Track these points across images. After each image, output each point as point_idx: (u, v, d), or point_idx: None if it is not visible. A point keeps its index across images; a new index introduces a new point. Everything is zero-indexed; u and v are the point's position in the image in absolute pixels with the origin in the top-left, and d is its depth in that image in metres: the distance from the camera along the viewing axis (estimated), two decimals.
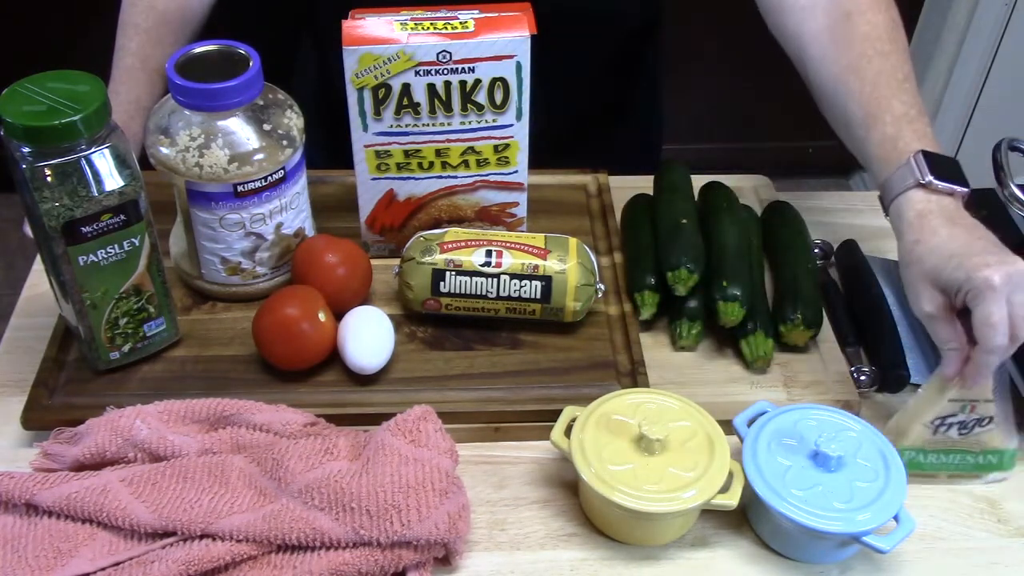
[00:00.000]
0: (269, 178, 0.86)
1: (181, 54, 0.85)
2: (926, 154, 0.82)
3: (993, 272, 0.74)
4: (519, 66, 0.87)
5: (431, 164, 0.93)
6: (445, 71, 0.87)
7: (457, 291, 0.88)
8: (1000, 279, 0.74)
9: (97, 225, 0.77)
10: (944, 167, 0.81)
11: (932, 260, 0.78)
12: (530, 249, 0.88)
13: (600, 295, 0.90)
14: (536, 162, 0.96)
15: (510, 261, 0.88)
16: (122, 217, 0.78)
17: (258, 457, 0.76)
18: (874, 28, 0.88)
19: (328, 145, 1.02)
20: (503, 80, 0.88)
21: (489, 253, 0.88)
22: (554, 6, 0.91)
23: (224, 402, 0.80)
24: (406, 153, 0.92)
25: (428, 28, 0.86)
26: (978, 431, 0.80)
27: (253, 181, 0.85)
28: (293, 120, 0.88)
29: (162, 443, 0.77)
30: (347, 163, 0.93)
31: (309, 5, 1.11)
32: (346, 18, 0.87)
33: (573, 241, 0.90)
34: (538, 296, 0.88)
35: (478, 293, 0.88)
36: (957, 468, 0.82)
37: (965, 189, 0.81)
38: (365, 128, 0.90)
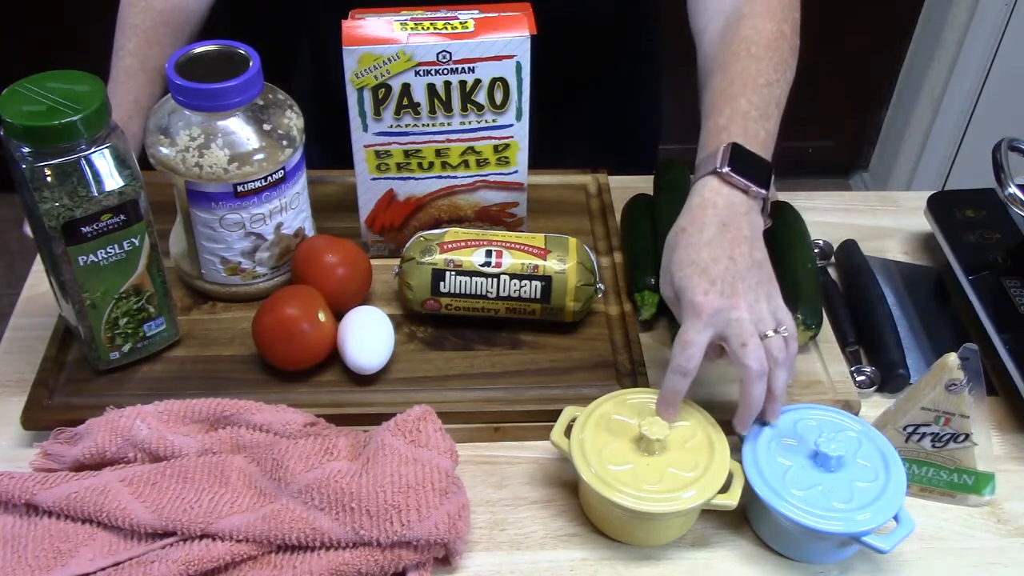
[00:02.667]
0: (269, 178, 0.86)
1: (181, 54, 0.85)
2: (736, 147, 0.81)
3: (704, 301, 0.75)
4: (519, 66, 0.87)
5: (431, 164, 0.93)
6: (445, 71, 0.87)
7: (457, 291, 0.88)
8: (707, 312, 0.75)
9: (97, 225, 0.77)
10: (747, 164, 0.80)
11: (679, 255, 0.78)
12: (530, 249, 0.88)
13: (600, 295, 0.90)
14: (536, 162, 0.96)
15: (510, 261, 0.88)
16: (122, 217, 0.78)
17: (258, 457, 0.76)
18: (756, 33, 0.88)
19: (328, 145, 1.02)
20: (503, 80, 0.88)
21: (489, 253, 0.88)
22: (554, 6, 0.91)
23: (224, 402, 0.80)
24: (406, 153, 0.92)
25: (428, 28, 0.86)
26: (953, 447, 0.79)
27: (253, 181, 0.85)
28: (293, 120, 0.88)
29: (162, 443, 0.77)
30: (347, 163, 0.93)
31: (309, 5, 1.11)
32: (346, 18, 0.87)
33: (573, 241, 0.90)
34: (538, 296, 0.88)
35: (478, 293, 0.88)
36: (929, 482, 0.81)
37: (761, 190, 0.80)
38: (365, 128, 0.90)
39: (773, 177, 0.82)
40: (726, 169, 0.79)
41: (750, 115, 0.84)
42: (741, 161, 0.80)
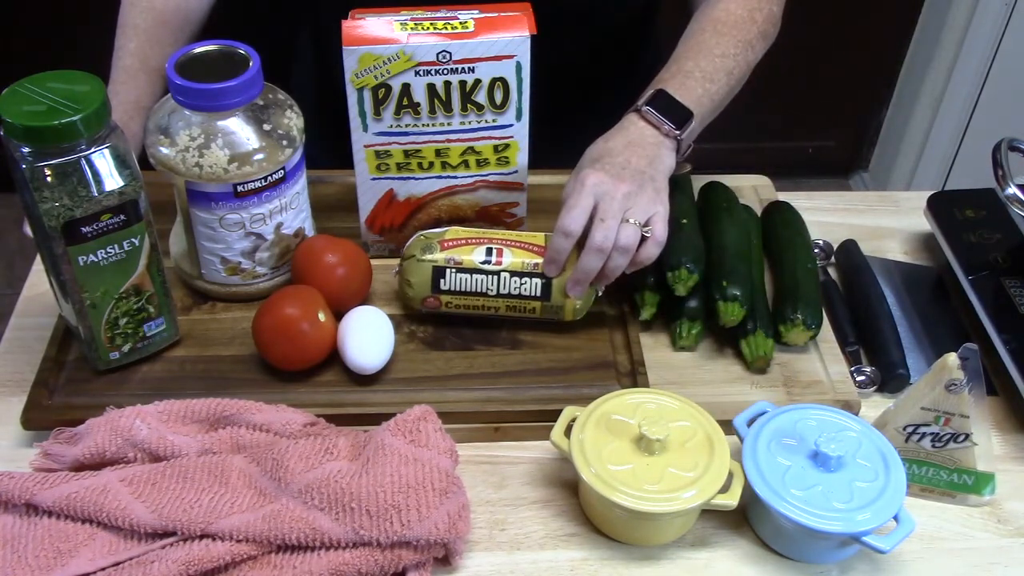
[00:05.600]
0: (269, 178, 0.86)
1: (181, 54, 0.85)
2: (661, 92, 0.90)
3: (591, 174, 0.84)
4: (519, 66, 0.87)
5: (431, 164, 0.93)
6: (445, 71, 0.87)
7: (457, 288, 0.88)
8: (592, 181, 0.84)
9: (97, 225, 0.77)
10: (668, 107, 0.89)
11: (582, 158, 0.88)
12: (530, 247, 0.89)
13: (600, 295, 0.90)
14: (537, 161, 0.96)
15: (510, 259, 0.88)
16: (122, 217, 0.78)
17: (258, 457, 0.76)
18: (725, 14, 0.96)
19: (329, 145, 1.02)
20: (503, 80, 0.88)
21: (489, 251, 0.88)
22: (554, 6, 0.91)
23: (224, 402, 0.80)
24: (406, 153, 0.92)
25: (428, 28, 0.86)
26: (953, 447, 0.79)
27: (253, 181, 0.85)
28: (293, 120, 0.88)
29: (162, 443, 0.77)
30: (348, 163, 0.93)
31: (309, 5, 1.11)
32: (346, 18, 0.87)
33: None
34: (538, 294, 0.88)
35: (478, 291, 0.88)
36: (930, 482, 0.81)
37: (674, 129, 0.88)
38: (365, 128, 0.90)
39: (693, 126, 0.90)
40: (645, 108, 0.89)
41: (692, 74, 0.91)
42: (662, 103, 0.89)
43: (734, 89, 0.95)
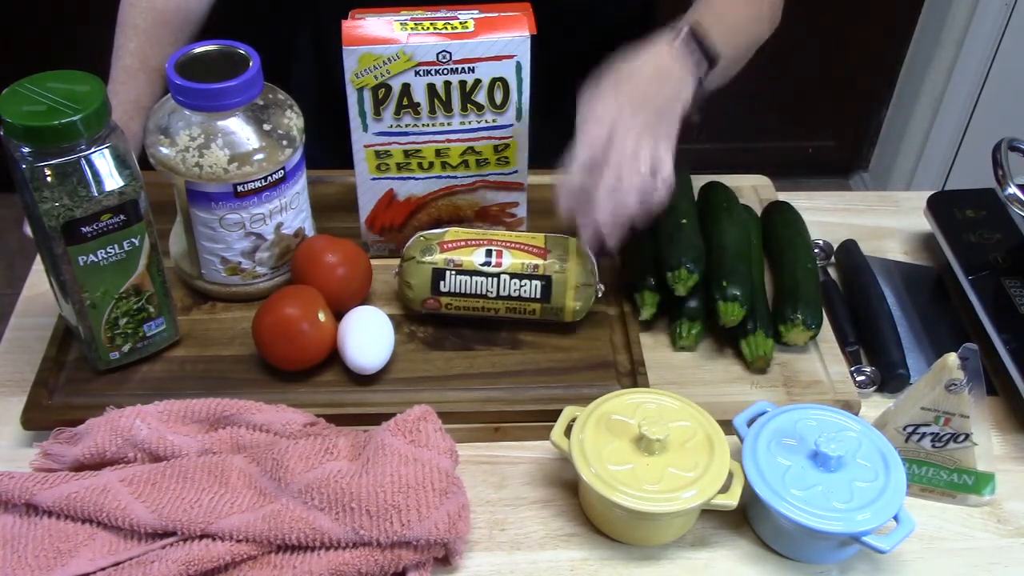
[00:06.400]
0: (269, 178, 0.86)
1: (181, 54, 0.85)
2: (696, 27, 0.88)
3: (610, 104, 0.82)
4: (519, 66, 0.87)
5: (431, 164, 0.93)
6: (445, 71, 0.87)
7: (457, 290, 0.88)
8: (610, 115, 0.82)
9: (97, 225, 0.77)
10: (700, 44, 0.88)
11: (612, 73, 0.85)
12: (530, 249, 0.89)
13: (600, 295, 0.90)
14: (537, 160, 0.96)
15: (510, 260, 0.88)
16: (122, 217, 0.78)
17: (258, 457, 0.76)
18: None
19: (329, 145, 1.02)
20: (503, 80, 0.88)
21: (489, 253, 0.88)
22: (554, 6, 0.91)
23: (224, 402, 0.80)
24: (406, 153, 0.92)
25: (428, 28, 0.86)
26: (953, 447, 0.79)
27: (253, 181, 0.85)
28: (293, 120, 0.88)
29: (162, 443, 0.77)
30: (348, 163, 0.93)
31: (309, 5, 1.11)
32: (346, 18, 0.87)
33: (573, 241, 0.90)
34: (538, 296, 0.88)
35: (478, 292, 0.88)
36: (930, 482, 0.81)
37: (704, 66, 0.88)
38: (365, 128, 0.90)
39: (716, 70, 0.89)
40: (681, 37, 0.87)
41: (725, 19, 0.91)
42: (695, 37, 0.87)
43: (740, 61, 0.96)
